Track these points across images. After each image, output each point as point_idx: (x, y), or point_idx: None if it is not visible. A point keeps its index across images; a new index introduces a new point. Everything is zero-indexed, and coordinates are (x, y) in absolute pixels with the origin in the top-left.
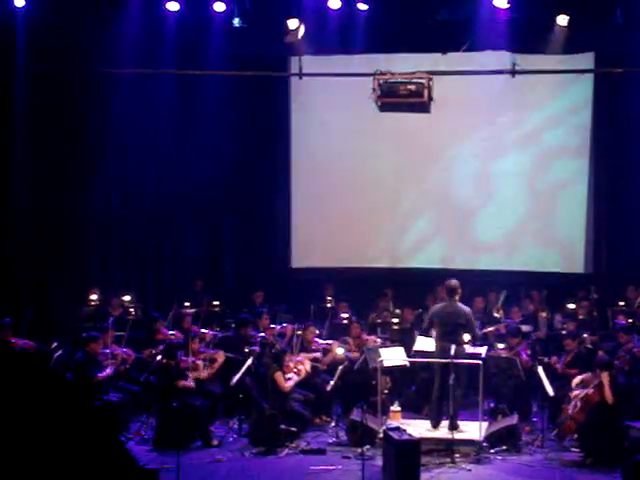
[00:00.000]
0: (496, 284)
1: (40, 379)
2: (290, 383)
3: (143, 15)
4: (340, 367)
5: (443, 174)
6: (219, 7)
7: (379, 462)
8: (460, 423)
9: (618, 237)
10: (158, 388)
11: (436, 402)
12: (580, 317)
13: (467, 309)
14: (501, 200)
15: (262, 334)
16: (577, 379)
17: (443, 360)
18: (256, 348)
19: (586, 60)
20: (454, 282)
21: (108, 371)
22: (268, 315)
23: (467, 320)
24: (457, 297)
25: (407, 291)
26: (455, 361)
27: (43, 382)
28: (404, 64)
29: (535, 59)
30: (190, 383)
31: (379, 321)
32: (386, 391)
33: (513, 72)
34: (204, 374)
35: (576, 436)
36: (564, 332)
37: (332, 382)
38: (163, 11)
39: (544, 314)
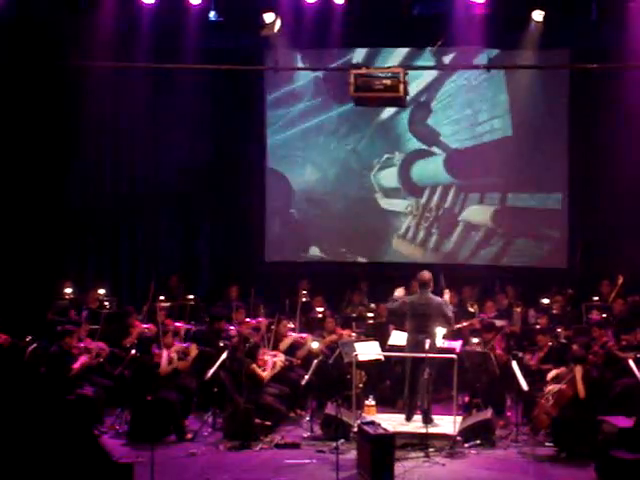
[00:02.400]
0: (471, 278)
1: (14, 372)
2: (267, 373)
3: (118, 8)
4: (315, 361)
5: (417, 170)
6: (195, 0)
7: (353, 456)
8: (434, 417)
9: (592, 232)
10: (132, 382)
11: (408, 395)
12: (554, 312)
13: (439, 299)
14: (476, 195)
15: (236, 328)
16: (552, 373)
17: (418, 355)
18: (230, 342)
19: (562, 56)
20: (427, 275)
21: (82, 359)
22: (244, 309)
23: (439, 310)
24: (429, 290)
25: (382, 285)
26: (430, 356)
27: (16, 375)
28: (380, 58)
29: (511, 55)
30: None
31: (354, 315)
32: (361, 385)
33: (489, 67)
34: (180, 365)
35: (550, 431)
36: (538, 327)
37: (307, 376)
38: (138, 4)
39: (518, 309)
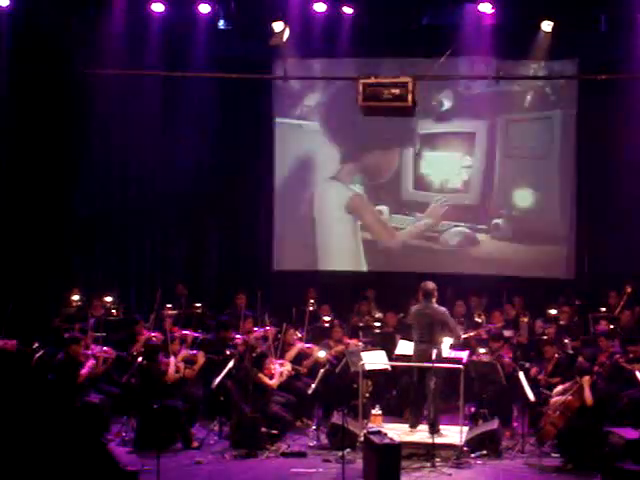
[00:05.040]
0: (478, 288)
1: (21, 379)
2: (275, 381)
3: (128, 16)
4: (321, 370)
5: (425, 178)
6: (204, 9)
7: (359, 466)
8: (441, 427)
9: (600, 243)
10: (139, 390)
11: (413, 405)
12: (561, 322)
13: (443, 309)
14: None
15: (243, 336)
16: (558, 389)
17: (425, 364)
18: (237, 350)
19: (570, 66)
20: (430, 285)
21: (90, 363)
22: (252, 318)
23: (443, 320)
24: (434, 300)
25: (389, 294)
26: (437, 365)
27: (24, 382)
28: (388, 68)
29: (519, 65)
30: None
31: (361, 324)
32: (367, 395)
33: (497, 77)
34: (186, 373)
35: (556, 441)
36: (545, 337)
37: (313, 385)
38: (148, 12)
39: (525, 319)
